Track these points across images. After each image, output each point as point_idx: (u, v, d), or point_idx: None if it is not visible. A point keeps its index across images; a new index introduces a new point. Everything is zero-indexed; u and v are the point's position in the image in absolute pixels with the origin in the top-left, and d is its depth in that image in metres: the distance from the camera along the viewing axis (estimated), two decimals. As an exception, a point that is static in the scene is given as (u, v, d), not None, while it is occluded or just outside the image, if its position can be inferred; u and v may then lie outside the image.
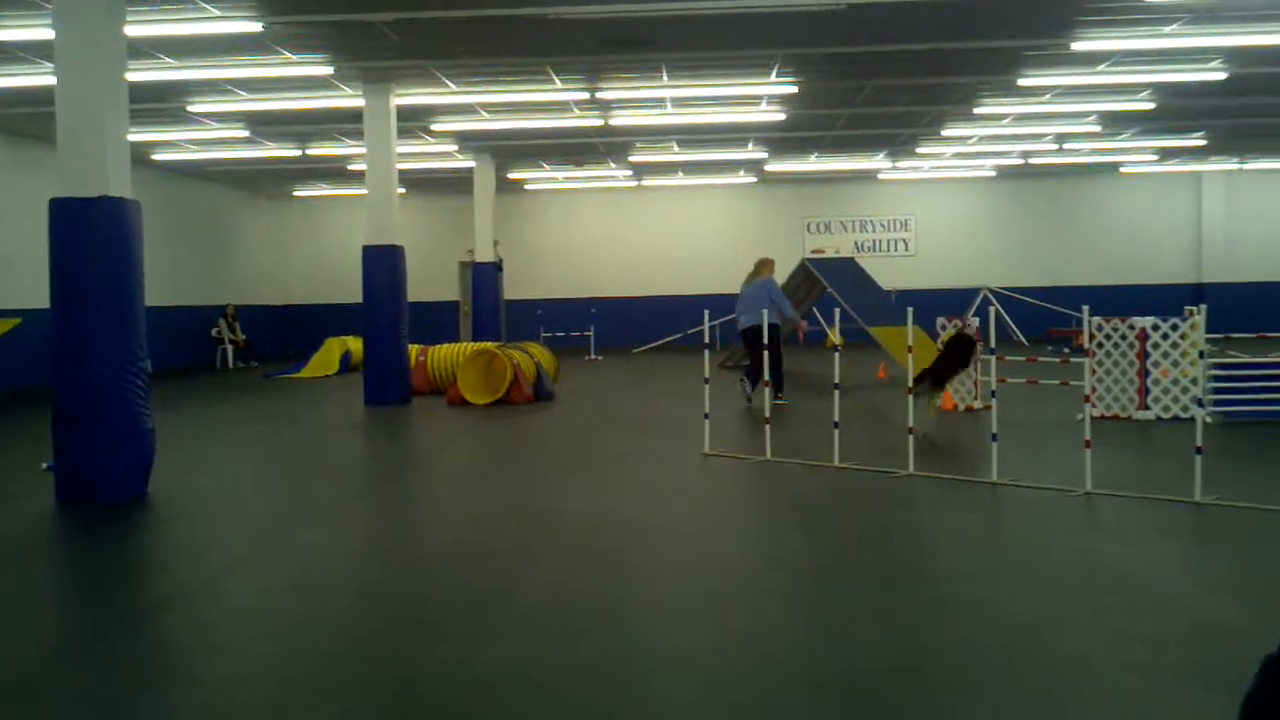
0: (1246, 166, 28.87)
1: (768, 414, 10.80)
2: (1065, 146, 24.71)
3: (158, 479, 9.27)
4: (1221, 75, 16.48)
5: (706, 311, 12.30)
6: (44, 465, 9.86)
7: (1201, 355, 9.42)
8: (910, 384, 9.79)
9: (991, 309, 10.36)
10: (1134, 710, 4.18)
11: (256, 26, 12.56)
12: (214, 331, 26.40)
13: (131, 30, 10.10)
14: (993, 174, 29.52)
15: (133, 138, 9.88)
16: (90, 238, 8.90)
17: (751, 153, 24.67)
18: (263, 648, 5.28)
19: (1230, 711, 3.98)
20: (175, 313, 23.98)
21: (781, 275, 21.37)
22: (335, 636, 5.40)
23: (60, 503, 8.84)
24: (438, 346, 18.87)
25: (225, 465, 11.48)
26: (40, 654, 5.29)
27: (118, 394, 8.87)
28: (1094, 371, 12.26)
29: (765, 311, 11.57)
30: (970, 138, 23.12)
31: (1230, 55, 15.59)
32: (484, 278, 24.95)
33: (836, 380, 10.17)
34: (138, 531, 8.19)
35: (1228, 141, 24.59)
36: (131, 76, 9.69)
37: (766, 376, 11.35)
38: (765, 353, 11.08)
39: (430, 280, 29.02)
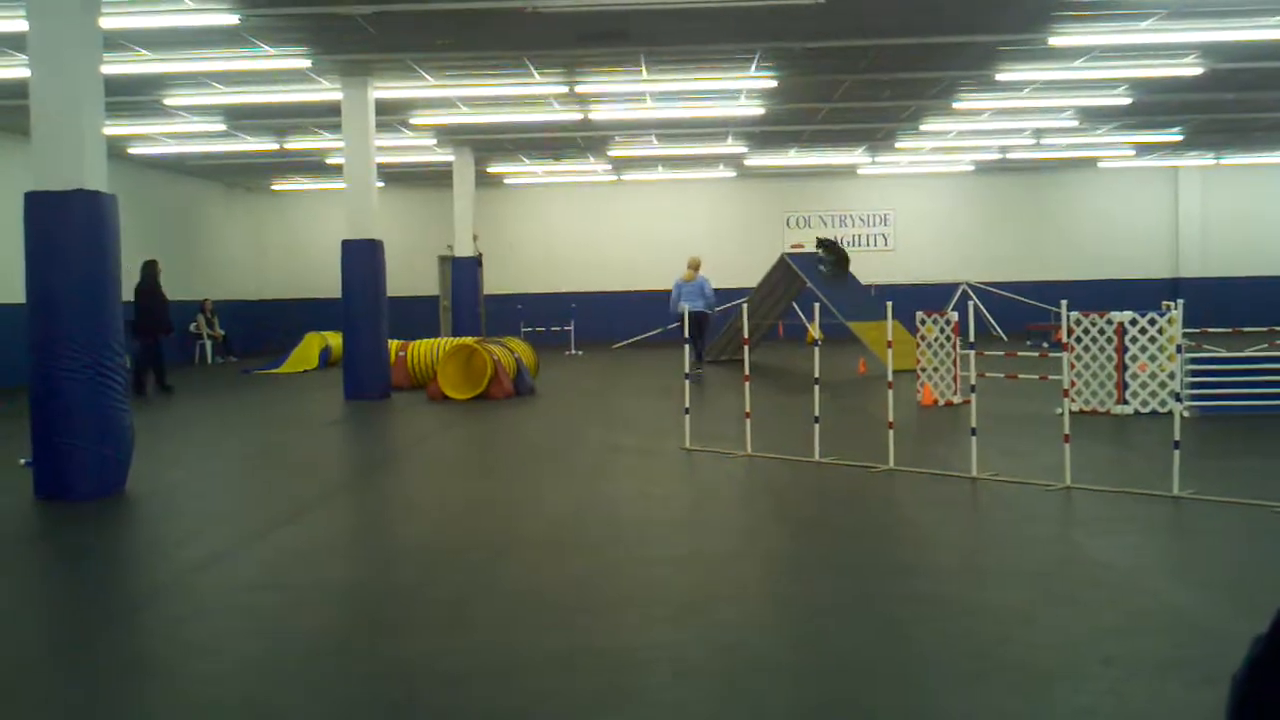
0: (1223, 162, 29.05)
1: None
2: (1043, 141, 24.80)
3: (136, 475, 9.21)
4: (1197, 70, 16.56)
5: (686, 306, 12.30)
6: (22, 461, 9.77)
7: (1179, 350, 9.47)
8: (889, 379, 9.82)
9: (970, 303, 10.40)
10: (1111, 702, 4.20)
11: (234, 19, 12.46)
12: (192, 326, 26.23)
13: (107, 22, 10.01)
14: (971, 169, 29.60)
15: (108, 131, 9.79)
16: (66, 231, 8.82)
17: (731, 147, 24.66)
18: (239, 644, 5.25)
19: (1206, 703, 4.01)
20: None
21: (761, 270, 21.56)
22: (312, 632, 5.37)
23: (38, 498, 8.78)
24: (417, 341, 18.81)
25: (204, 461, 11.42)
26: (19, 652, 5.25)
27: (95, 389, 8.80)
28: (1073, 366, 12.30)
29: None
30: (949, 132, 23.18)
31: (1206, 50, 15.66)
32: (463, 272, 24.88)
33: (816, 375, 10.19)
34: (116, 527, 8.14)
35: (1204, 136, 24.72)
36: (107, 69, 9.61)
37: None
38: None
39: (409, 275, 28.89)
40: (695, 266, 19.59)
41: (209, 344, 26.19)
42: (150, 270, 17.66)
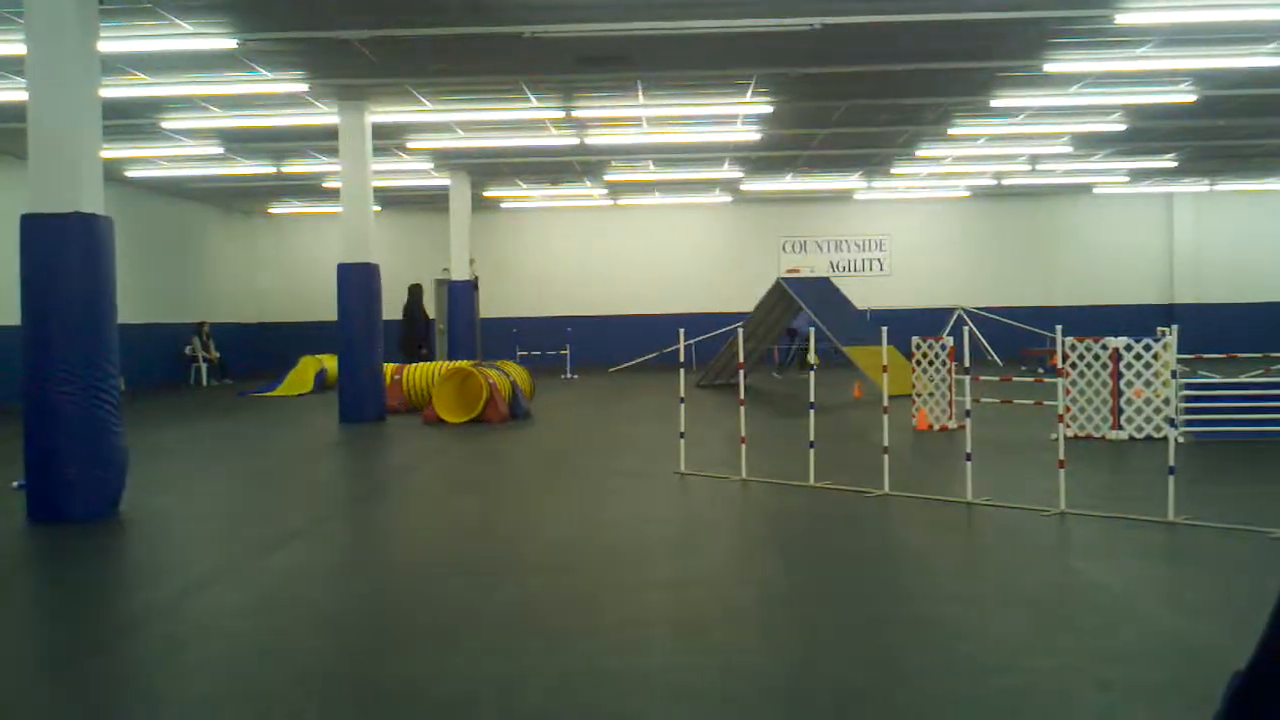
0: (1216, 188, 29.15)
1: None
2: (1038, 167, 24.90)
3: (130, 498, 9.17)
4: (1191, 97, 16.65)
5: (682, 330, 12.29)
6: (15, 484, 9.75)
7: (1174, 375, 9.48)
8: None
9: (965, 329, 10.41)
10: (1109, 729, 4.19)
11: (231, 43, 12.51)
12: (187, 349, 26.21)
13: (105, 46, 10.04)
14: (967, 194, 29.70)
15: (106, 154, 9.80)
16: (62, 254, 8.82)
17: (727, 172, 24.74)
18: (232, 668, 5.23)
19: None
20: (148, 330, 23.78)
21: (757, 294, 21.60)
22: (305, 656, 5.35)
23: (31, 521, 8.74)
24: (413, 365, 18.79)
25: (198, 484, 11.38)
26: (10, 675, 5.22)
27: (90, 412, 8.78)
28: (1068, 391, 12.31)
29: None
30: (944, 158, 23.26)
31: (1200, 78, 15.76)
32: (459, 296, 24.90)
33: (812, 400, 10.19)
34: (109, 551, 8.10)
35: (1198, 163, 24.83)
36: (105, 92, 9.64)
37: None
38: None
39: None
40: None
41: (204, 366, 26.16)
42: (415, 293, 18.11)
